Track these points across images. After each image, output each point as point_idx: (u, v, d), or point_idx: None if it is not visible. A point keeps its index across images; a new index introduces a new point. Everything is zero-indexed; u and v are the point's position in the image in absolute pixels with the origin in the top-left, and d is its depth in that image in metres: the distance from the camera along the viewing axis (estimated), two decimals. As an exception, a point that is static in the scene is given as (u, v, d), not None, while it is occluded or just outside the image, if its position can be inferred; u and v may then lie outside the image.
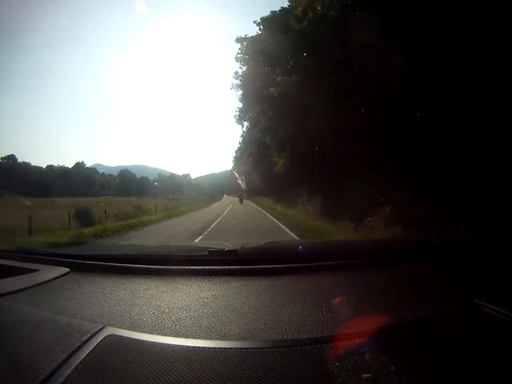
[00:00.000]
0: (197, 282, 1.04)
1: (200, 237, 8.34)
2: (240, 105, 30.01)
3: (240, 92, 24.31)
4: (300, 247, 1.82)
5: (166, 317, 0.80)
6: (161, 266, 1.19)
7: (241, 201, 32.83)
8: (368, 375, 0.54)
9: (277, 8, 16.17)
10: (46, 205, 17.01)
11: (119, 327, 0.74)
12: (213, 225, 11.76)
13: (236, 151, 50.54)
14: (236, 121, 35.63)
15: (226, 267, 1.14)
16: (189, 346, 0.65)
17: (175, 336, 0.70)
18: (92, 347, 0.65)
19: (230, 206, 28.26)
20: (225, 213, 19.80)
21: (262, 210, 21.08)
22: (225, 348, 0.64)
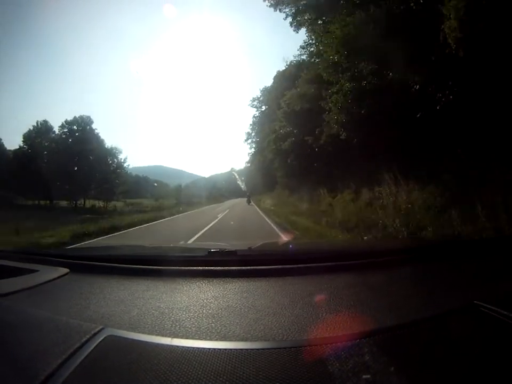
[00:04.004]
0: (197, 283, 1.04)
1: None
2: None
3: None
4: (300, 248, 1.82)
5: (165, 317, 0.80)
6: (160, 267, 1.19)
7: (248, 202, 31.84)
8: (368, 376, 0.54)
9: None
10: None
11: (119, 328, 0.74)
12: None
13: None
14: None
15: (226, 268, 1.14)
16: (188, 347, 0.65)
17: (174, 336, 0.70)
18: (91, 348, 0.65)
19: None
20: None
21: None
22: (224, 349, 0.64)
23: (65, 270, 1.19)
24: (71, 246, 4.81)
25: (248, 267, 1.15)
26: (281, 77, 26.09)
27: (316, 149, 13.29)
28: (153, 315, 0.81)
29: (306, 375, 0.55)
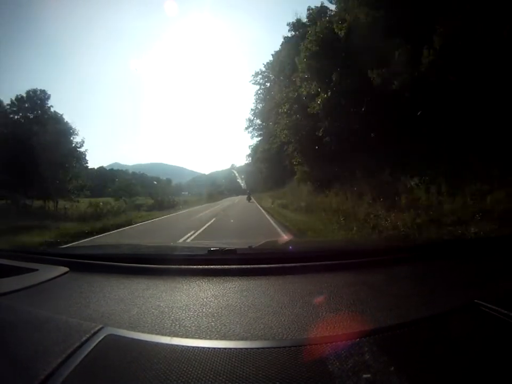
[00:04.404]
0: (197, 282, 1.04)
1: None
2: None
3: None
4: (300, 247, 1.82)
5: (165, 316, 0.80)
6: (160, 266, 1.19)
7: (248, 199, 30.87)
8: (369, 375, 0.54)
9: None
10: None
11: (119, 327, 0.74)
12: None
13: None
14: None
15: (226, 266, 1.14)
16: (188, 346, 0.65)
17: (174, 336, 0.70)
18: (91, 347, 0.65)
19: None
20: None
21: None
22: (224, 348, 0.64)
23: (65, 269, 1.19)
24: (70, 245, 4.76)
25: (248, 266, 1.15)
26: (297, 27, 20.00)
27: (401, 93, 6.34)
28: (153, 314, 0.82)
29: (306, 374, 0.55)
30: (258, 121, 36.76)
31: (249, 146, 47.84)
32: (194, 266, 1.17)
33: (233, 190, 78.12)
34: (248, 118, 38.52)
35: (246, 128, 38.56)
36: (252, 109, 38.23)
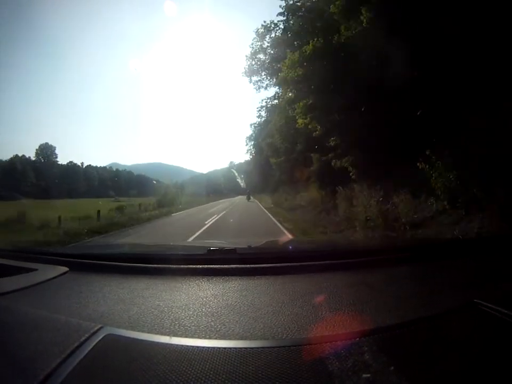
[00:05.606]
0: (196, 282, 1.04)
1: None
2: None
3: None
4: (300, 246, 1.82)
5: (165, 316, 0.80)
6: (160, 265, 1.19)
7: (248, 198, 31.79)
8: (368, 375, 0.54)
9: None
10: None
11: (118, 327, 0.74)
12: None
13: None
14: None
15: (226, 266, 1.14)
16: (188, 346, 0.65)
17: (174, 335, 0.70)
18: (90, 347, 0.64)
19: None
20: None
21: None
22: (224, 348, 0.64)
23: (65, 269, 1.19)
24: (71, 245, 4.79)
25: (248, 265, 1.15)
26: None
27: None
28: (153, 314, 0.81)
29: (306, 374, 0.55)
30: (267, 59, 19.81)
31: (251, 124, 36.78)
32: (194, 266, 1.17)
33: (232, 189, 76.95)
34: (252, 52, 20.24)
35: (245, 73, 21.32)
36: (260, 28, 18.94)
